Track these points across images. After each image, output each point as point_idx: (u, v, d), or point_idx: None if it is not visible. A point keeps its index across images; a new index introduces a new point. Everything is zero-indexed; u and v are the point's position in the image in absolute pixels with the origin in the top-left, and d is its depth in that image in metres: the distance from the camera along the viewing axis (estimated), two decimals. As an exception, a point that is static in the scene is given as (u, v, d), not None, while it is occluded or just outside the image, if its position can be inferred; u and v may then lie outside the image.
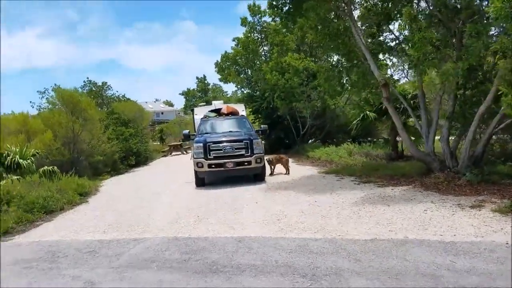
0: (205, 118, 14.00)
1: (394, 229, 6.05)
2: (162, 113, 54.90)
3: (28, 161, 12.87)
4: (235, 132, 12.50)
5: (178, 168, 18.75)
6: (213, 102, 25.23)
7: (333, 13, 11.17)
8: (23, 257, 6.12)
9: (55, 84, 23.63)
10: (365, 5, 11.49)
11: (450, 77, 8.56)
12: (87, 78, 30.81)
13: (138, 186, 13.28)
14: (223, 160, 11.11)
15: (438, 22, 9.62)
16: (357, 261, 4.83)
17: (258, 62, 21.43)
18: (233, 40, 22.17)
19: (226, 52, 22.69)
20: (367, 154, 15.60)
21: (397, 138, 15.50)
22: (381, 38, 11.76)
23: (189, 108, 55.51)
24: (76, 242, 6.78)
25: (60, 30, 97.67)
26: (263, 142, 12.65)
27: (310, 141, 21.43)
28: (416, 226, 6.14)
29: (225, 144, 11.26)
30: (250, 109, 20.49)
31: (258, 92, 21.22)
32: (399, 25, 8.95)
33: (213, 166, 11.10)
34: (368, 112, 14.91)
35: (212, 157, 11.15)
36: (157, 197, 10.57)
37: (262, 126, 13.28)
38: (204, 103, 24.77)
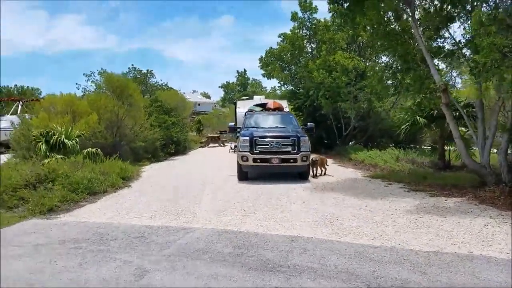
0: (251, 112, 13.82)
1: (456, 243, 5.67)
2: (199, 104, 55.20)
3: (73, 141, 13.05)
4: (281, 128, 12.28)
5: (217, 160, 18.72)
6: (255, 96, 25.16)
7: (393, 13, 10.70)
8: (71, 237, 6.11)
9: (101, 68, 24.17)
10: (424, 6, 11.01)
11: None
12: (132, 65, 31.19)
13: (179, 175, 13.26)
14: (268, 156, 10.90)
15: (506, 27, 9.03)
16: (423, 274, 4.51)
17: (303, 59, 21.04)
18: (279, 36, 21.92)
19: (271, 47, 22.44)
20: (413, 161, 15.02)
21: (445, 147, 14.91)
22: (439, 41, 11.29)
23: (228, 101, 55.85)
24: (124, 226, 6.73)
25: (102, 19, 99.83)
26: None
27: (350, 143, 20.92)
28: (479, 242, 5.73)
29: (271, 139, 11.05)
30: (292, 106, 20.17)
31: (301, 90, 20.85)
32: (464, 29, 8.41)
33: (258, 160, 10.91)
34: (418, 118, 14.31)
35: (257, 151, 10.96)
36: (200, 188, 10.47)
37: (308, 124, 12.98)
38: (247, 97, 24.70)
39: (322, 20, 19.94)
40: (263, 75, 23.43)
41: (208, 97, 66.29)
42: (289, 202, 8.49)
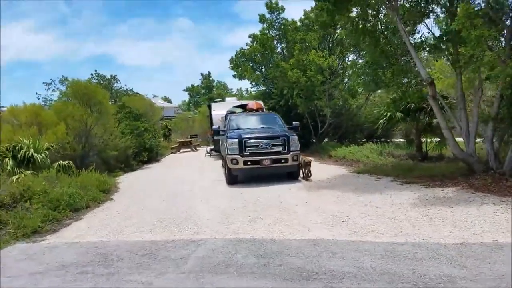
0: (233, 114, 13.45)
1: (477, 232, 5.63)
2: (162, 109, 53.94)
3: (43, 155, 12.20)
4: (269, 128, 12.01)
5: (195, 165, 18.17)
6: (227, 98, 24.82)
7: (375, 9, 10.71)
8: (70, 261, 5.55)
9: (62, 76, 22.91)
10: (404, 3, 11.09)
11: (507, 77, 8.15)
12: (95, 70, 29.79)
13: (161, 184, 12.68)
14: (259, 157, 10.59)
15: (489, 21, 9.20)
16: (464, 268, 4.39)
17: (275, 59, 20.87)
18: (249, 36, 21.66)
19: (242, 48, 22.14)
20: (392, 155, 15.19)
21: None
22: (417, 36, 11.45)
23: (193, 104, 54.89)
24: (125, 244, 6.23)
25: (52, 24, 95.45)
26: None
27: (324, 140, 20.95)
28: (498, 229, 5.73)
29: (261, 140, 10.74)
30: (267, 107, 19.94)
31: (275, 90, 20.67)
32: (441, 23, 8.46)
33: (249, 163, 10.57)
34: (395, 112, 14.47)
35: (248, 153, 10.63)
36: (189, 195, 10.02)
37: (294, 123, 12.76)
38: (221, 99, 24.30)
39: (290, 20, 19.88)
40: (234, 76, 23.10)
41: (169, 101, 64.86)
42: (291, 203, 8.23)
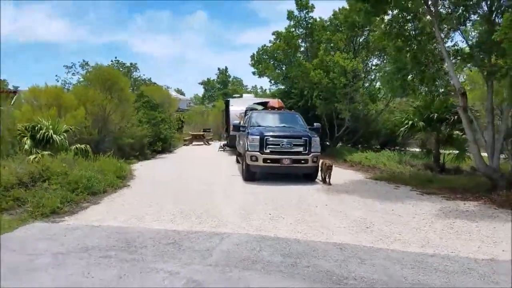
0: (254, 110, 13.37)
1: (506, 249, 5.49)
2: (179, 100, 53.97)
3: (61, 136, 12.21)
4: (290, 128, 11.91)
5: (209, 158, 18.19)
6: (244, 95, 24.76)
7: (413, 12, 10.53)
8: (91, 244, 5.52)
9: (83, 60, 22.94)
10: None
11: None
12: (115, 57, 29.95)
13: (176, 175, 12.68)
14: (279, 156, 10.49)
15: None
16: (497, 285, 4.26)
17: (297, 59, 20.71)
18: (273, 34, 21.49)
19: (264, 45, 22.01)
20: (409, 164, 14.99)
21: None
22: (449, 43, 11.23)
23: (207, 98, 54.92)
24: (147, 231, 6.18)
25: (70, 11, 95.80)
26: None
27: (339, 144, 20.78)
28: (528, 248, 5.56)
29: (283, 139, 10.63)
30: (285, 106, 19.80)
31: (295, 89, 20.50)
32: (494, 32, 8.22)
33: (268, 161, 10.48)
34: (416, 120, 14.27)
35: (268, 151, 10.54)
36: (206, 189, 9.93)
37: (315, 124, 12.66)
38: (239, 95, 24.19)
39: (318, 19, 19.68)
40: (254, 73, 22.99)
41: (182, 93, 64.82)
42: (311, 205, 8.14)
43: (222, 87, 51.75)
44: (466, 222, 6.91)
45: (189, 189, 9.92)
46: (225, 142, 22.27)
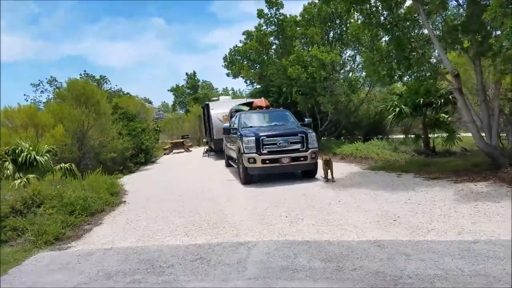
0: (241, 112, 13.02)
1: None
2: (153, 109, 52.69)
3: (45, 157, 11.57)
4: (282, 126, 11.64)
5: (196, 166, 17.64)
6: (221, 97, 24.31)
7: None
8: (112, 269, 5.11)
9: (50, 77, 21.96)
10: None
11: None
12: (84, 71, 28.77)
13: (170, 185, 12.16)
14: (278, 155, 10.18)
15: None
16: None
17: (272, 56, 20.49)
18: (243, 34, 21.21)
19: (236, 46, 21.69)
20: (401, 151, 15.02)
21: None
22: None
23: (178, 104, 53.92)
24: (166, 248, 5.79)
25: (23, 25, 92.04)
26: None
27: (322, 138, 20.69)
28: None
29: (279, 137, 10.33)
30: (266, 104, 19.57)
31: (273, 87, 20.25)
32: (485, 12, 8.20)
33: (267, 161, 10.16)
34: (403, 107, 14.32)
35: (265, 151, 10.21)
36: (208, 197, 9.54)
37: (306, 119, 12.46)
38: (216, 98, 23.63)
39: (289, 15, 19.51)
40: (228, 75, 22.62)
41: (149, 102, 63.43)
42: (324, 202, 7.88)
43: (192, 92, 50.97)
44: (488, 204, 6.79)
45: (189, 199, 9.49)
46: (208, 147, 21.78)
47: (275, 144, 10.27)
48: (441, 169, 10.63)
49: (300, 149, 10.33)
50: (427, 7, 10.04)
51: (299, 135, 10.44)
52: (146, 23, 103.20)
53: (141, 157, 18.44)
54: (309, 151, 10.38)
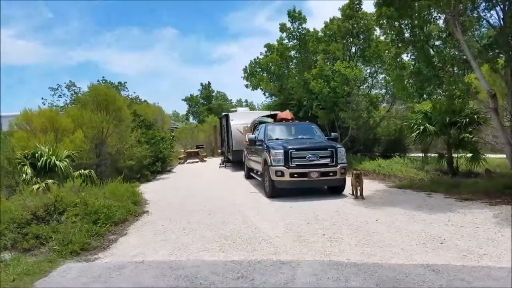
0: (267, 123, 12.83)
1: None
2: (170, 117, 52.75)
3: (65, 163, 11.42)
4: (309, 139, 11.41)
5: (212, 176, 17.46)
6: (239, 109, 24.18)
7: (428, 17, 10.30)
8: (148, 285, 4.86)
9: (69, 81, 21.95)
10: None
11: None
12: (103, 77, 28.79)
13: (190, 196, 11.93)
14: (307, 169, 9.91)
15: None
16: None
17: (290, 70, 20.38)
18: (264, 46, 21.22)
19: (257, 57, 21.68)
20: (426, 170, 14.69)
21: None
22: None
23: (192, 114, 53.96)
24: (203, 264, 5.54)
25: (36, 31, 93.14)
26: None
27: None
28: None
29: (308, 151, 10.08)
30: (284, 118, 19.39)
31: (292, 101, 20.10)
32: None
33: (295, 175, 9.90)
34: (428, 125, 14.01)
35: (294, 165, 9.96)
36: (233, 210, 9.28)
37: (332, 134, 12.25)
38: (235, 110, 23.51)
39: (312, 30, 19.44)
40: (247, 86, 22.53)
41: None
42: (360, 221, 7.58)
43: (206, 103, 51.01)
44: (534, 229, 6.49)
45: (215, 211, 9.24)
46: (225, 158, 21.56)
47: (304, 157, 10.02)
48: (470, 190, 10.30)
49: (330, 164, 10.07)
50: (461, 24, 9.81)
51: (329, 149, 10.19)
52: (158, 33, 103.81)
53: (158, 165, 18.27)
54: (339, 166, 10.11)
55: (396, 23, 10.89)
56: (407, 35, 11.12)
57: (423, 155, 18.00)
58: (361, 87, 19.48)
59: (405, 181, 12.91)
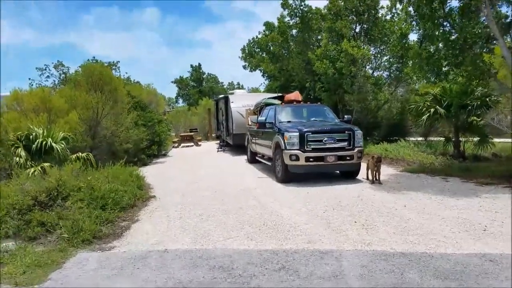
0: (275, 105, 12.28)
1: None
2: (165, 99, 51.20)
3: (62, 145, 10.77)
4: (323, 122, 10.95)
5: (211, 160, 16.98)
6: (236, 91, 23.52)
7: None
8: (182, 277, 4.43)
9: (57, 61, 20.92)
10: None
11: None
12: (93, 57, 27.10)
13: (196, 180, 11.42)
14: (323, 153, 9.47)
15: None
16: None
17: (292, 50, 19.70)
18: (264, 25, 20.46)
19: (256, 36, 20.94)
20: (428, 153, 14.43)
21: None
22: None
23: (182, 97, 52.82)
24: (234, 253, 5.11)
25: (10, 11, 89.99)
26: None
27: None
28: None
29: (324, 134, 9.63)
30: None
31: (294, 82, 19.52)
32: None
33: (311, 159, 9.44)
34: (439, 108, 13.67)
35: (310, 149, 9.50)
36: (247, 195, 8.82)
37: (345, 116, 11.80)
38: (233, 91, 22.79)
39: (314, 8, 18.75)
40: (245, 67, 21.84)
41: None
42: (387, 207, 7.20)
43: (197, 85, 49.95)
44: None
45: (228, 196, 8.78)
46: (223, 142, 21.01)
47: (320, 141, 9.56)
48: (485, 175, 10.02)
49: (347, 148, 9.65)
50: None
51: (346, 132, 9.76)
52: (139, 15, 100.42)
53: (154, 149, 17.65)
54: (356, 149, 9.71)
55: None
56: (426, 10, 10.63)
57: (424, 139, 17.82)
58: (365, 68, 19.04)
59: (415, 165, 12.60)
